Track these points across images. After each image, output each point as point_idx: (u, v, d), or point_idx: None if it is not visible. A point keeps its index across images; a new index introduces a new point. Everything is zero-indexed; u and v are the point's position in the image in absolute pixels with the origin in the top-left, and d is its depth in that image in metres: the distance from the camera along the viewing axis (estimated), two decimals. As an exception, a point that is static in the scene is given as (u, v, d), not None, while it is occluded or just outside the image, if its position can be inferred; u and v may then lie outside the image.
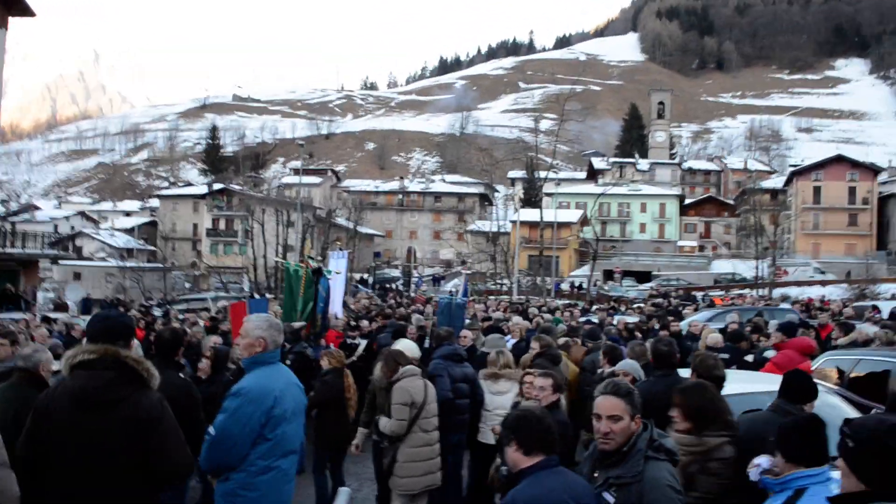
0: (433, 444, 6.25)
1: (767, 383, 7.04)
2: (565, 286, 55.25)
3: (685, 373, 6.46)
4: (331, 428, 7.40)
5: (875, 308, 21.48)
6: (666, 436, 3.37)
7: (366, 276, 63.33)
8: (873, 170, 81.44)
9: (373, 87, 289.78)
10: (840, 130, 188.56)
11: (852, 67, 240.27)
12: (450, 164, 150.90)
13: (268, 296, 29.09)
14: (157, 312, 24.88)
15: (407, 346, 7.05)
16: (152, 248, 77.67)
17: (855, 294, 44.84)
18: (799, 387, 4.58)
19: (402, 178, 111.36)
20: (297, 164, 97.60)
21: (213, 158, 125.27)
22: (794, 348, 8.33)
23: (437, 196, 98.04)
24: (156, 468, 3.48)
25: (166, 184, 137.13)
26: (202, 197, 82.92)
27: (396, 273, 68.73)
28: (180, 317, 20.41)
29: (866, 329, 11.39)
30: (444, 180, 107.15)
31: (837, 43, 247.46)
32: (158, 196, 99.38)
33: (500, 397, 7.17)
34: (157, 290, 49.18)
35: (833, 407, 6.52)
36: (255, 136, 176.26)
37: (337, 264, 17.77)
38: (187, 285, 60.77)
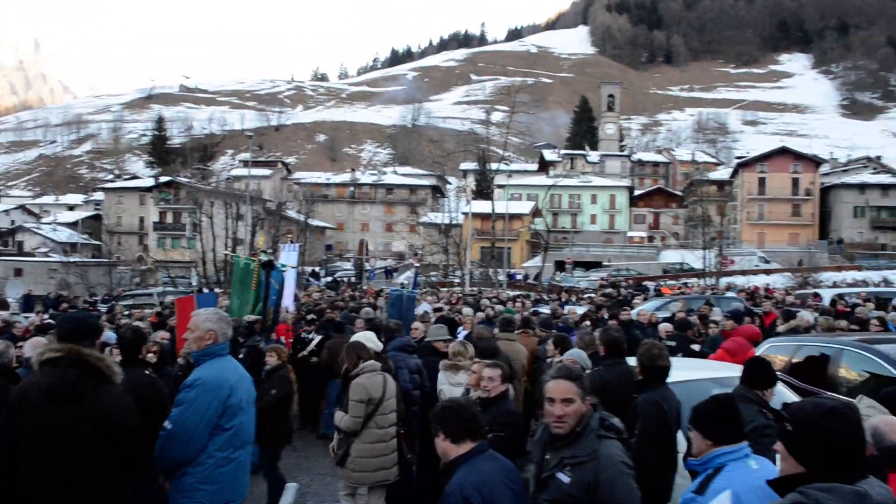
0: (388, 439, 6.20)
1: (712, 370, 7.20)
2: (520, 276, 55.64)
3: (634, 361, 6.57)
4: (277, 424, 7.31)
5: (816, 296, 22.11)
6: (612, 416, 3.45)
7: (317, 268, 62.82)
8: (816, 162, 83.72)
9: (323, 78, 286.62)
10: (784, 123, 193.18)
11: (796, 62, 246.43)
12: (402, 155, 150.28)
13: (217, 290, 28.59)
14: (103, 308, 24.31)
15: (367, 337, 6.97)
16: (97, 242, 75.78)
17: (798, 282, 46.06)
18: (760, 373, 4.80)
19: (353, 169, 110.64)
20: (246, 155, 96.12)
21: (160, 150, 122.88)
22: (743, 335, 8.49)
23: (389, 188, 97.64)
24: (124, 459, 3.67)
25: (111, 176, 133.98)
26: (149, 190, 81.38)
27: (348, 266, 68.32)
28: (126, 313, 20.00)
29: (808, 316, 11.70)
30: (395, 172, 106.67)
31: (781, 38, 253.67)
32: (103, 189, 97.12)
33: (459, 389, 7.16)
34: (102, 286, 48.06)
35: (775, 392, 6.68)
36: (202, 127, 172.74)
37: (288, 257, 17.60)
38: (134, 280, 59.52)
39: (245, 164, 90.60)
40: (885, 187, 78.10)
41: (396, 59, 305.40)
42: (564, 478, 3.26)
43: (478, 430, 3.45)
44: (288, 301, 14.34)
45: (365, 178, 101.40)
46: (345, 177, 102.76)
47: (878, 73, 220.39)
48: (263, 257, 11.91)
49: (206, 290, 29.69)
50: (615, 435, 3.30)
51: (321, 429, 11.00)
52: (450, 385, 7.22)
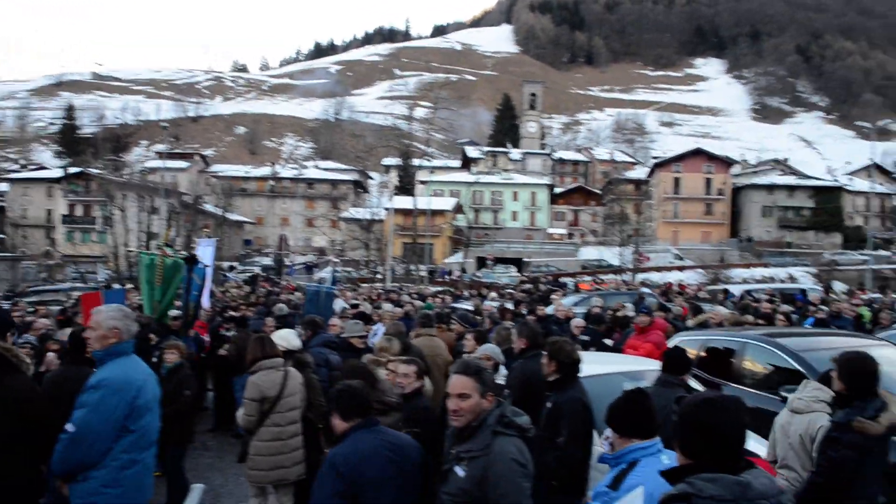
0: (287, 437, 6.04)
1: (624, 364, 7.33)
2: (451, 271, 55.87)
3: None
4: (183, 423, 7.10)
5: (726, 291, 22.94)
6: (521, 413, 3.44)
7: (235, 264, 61.54)
8: (728, 163, 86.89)
9: (244, 69, 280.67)
10: (699, 125, 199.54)
11: (710, 66, 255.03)
12: (323, 150, 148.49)
13: (128, 286, 27.64)
14: (6, 305, 23.16)
15: (284, 335, 6.81)
16: (0, 235, 72.34)
17: (710, 279, 47.79)
18: (678, 361, 5.24)
19: (273, 163, 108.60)
20: (161, 147, 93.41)
21: (70, 140, 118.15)
22: (659, 329, 8.67)
23: (311, 182, 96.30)
24: (35, 443, 3.96)
25: (16, 166, 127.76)
26: (57, 181, 78.15)
27: (268, 261, 67.16)
28: (30, 309, 19.10)
29: (722, 310, 12.10)
30: (317, 167, 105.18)
31: (698, 43, 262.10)
32: (7, 179, 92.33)
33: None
34: (5, 282, 45.87)
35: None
36: (115, 116, 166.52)
37: (204, 253, 17.14)
38: (41, 276, 56.99)
39: (160, 155, 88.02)
40: (791, 188, 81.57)
41: (319, 52, 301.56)
42: (460, 471, 3.30)
43: (367, 408, 3.70)
44: (204, 298, 13.98)
45: (285, 171, 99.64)
46: (265, 170, 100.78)
47: (787, 79, 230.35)
48: (170, 251, 11.54)
49: (117, 286, 28.66)
50: (515, 432, 3.30)
51: (236, 427, 10.76)
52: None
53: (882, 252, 61.82)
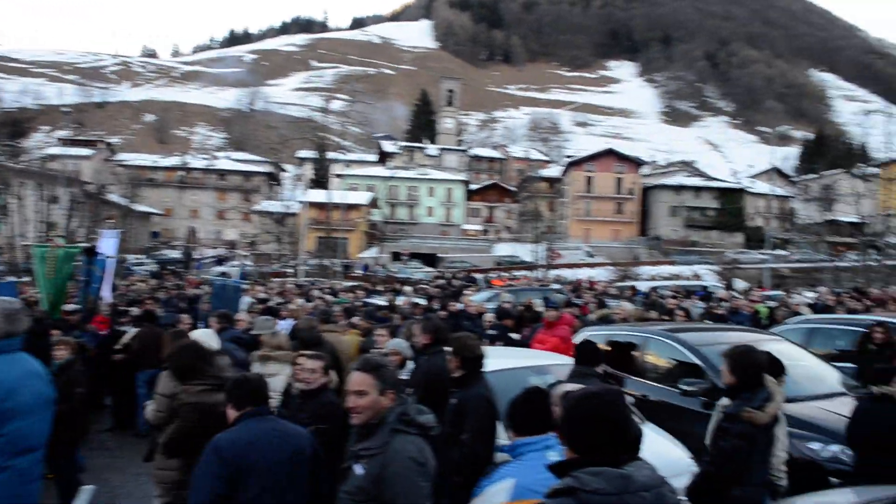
0: None
1: (530, 359, 7.36)
2: (367, 265, 55.48)
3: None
4: (72, 422, 6.75)
5: (633, 288, 23.53)
6: (425, 411, 3.38)
7: (142, 256, 59.43)
8: (638, 163, 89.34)
9: (153, 54, 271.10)
10: (611, 126, 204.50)
11: (624, 69, 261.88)
12: (236, 140, 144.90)
13: (24, 279, 26.26)
14: None
15: (202, 335, 6.53)
16: None
17: (619, 276, 48.95)
18: (590, 353, 5.40)
19: (183, 153, 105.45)
20: (64, 133, 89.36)
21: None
22: (566, 324, 8.75)
23: (222, 174, 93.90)
24: None
25: None
26: (-52, 166, 73.61)
27: (176, 254, 65.11)
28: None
29: (624, 306, 12.36)
30: (229, 158, 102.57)
31: (612, 46, 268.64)
32: None
33: (271, 380, 6.88)
34: None
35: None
36: (14, 100, 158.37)
37: (108, 244, 16.45)
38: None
39: (62, 142, 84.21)
40: (697, 189, 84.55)
41: (234, 39, 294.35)
42: (359, 469, 3.24)
43: (261, 398, 3.79)
44: (105, 291, 13.41)
45: (196, 162, 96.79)
46: (174, 160, 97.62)
47: (696, 84, 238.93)
48: (62, 242, 11.03)
49: (9, 279, 27.18)
50: (416, 430, 3.24)
51: (140, 426, 10.32)
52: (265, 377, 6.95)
53: (780, 252, 64.77)
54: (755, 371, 4.48)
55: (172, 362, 5.07)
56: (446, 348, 5.81)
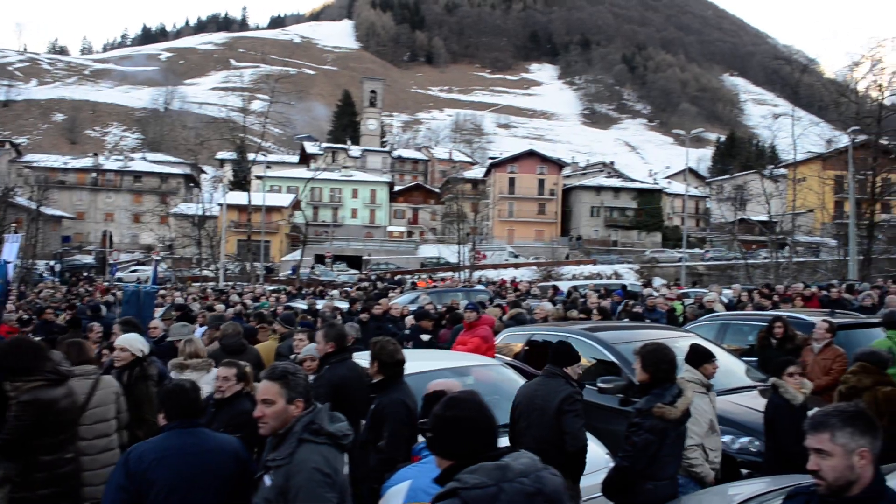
0: (94, 453, 5.51)
1: (449, 361, 7.34)
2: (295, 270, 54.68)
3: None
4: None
5: (555, 288, 23.86)
6: (339, 419, 3.31)
7: (52, 262, 57.06)
8: (559, 164, 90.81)
9: (63, 51, 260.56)
10: (533, 128, 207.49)
11: (544, 72, 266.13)
12: (152, 141, 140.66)
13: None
14: None
15: (129, 339, 6.22)
16: None
17: (542, 275, 49.67)
18: (564, 354, 5.32)
19: (96, 154, 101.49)
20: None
21: None
22: (486, 324, 8.74)
23: (138, 175, 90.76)
24: None
25: None
26: None
27: (89, 259, 62.74)
28: None
29: (544, 306, 12.50)
30: (145, 159, 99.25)
31: (532, 48, 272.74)
32: None
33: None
34: None
35: (510, 380, 6.98)
36: None
37: (10, 249, 15.72)
38: None
39: (-36, 142, 80.00)
40: (616, 190, 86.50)
41: (149, 37, 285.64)
42: (267, 480, 3.16)
43: (192, 410, 3.70)
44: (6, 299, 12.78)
45: (110, 163, 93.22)
46: (86, 161, 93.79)
47: (614, 87, 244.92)
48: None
49: None
50: (325, 440, 3.16)
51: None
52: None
53: (696, 250, 66.87)
54: (666, 367, 4.59)
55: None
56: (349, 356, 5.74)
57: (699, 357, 5.38)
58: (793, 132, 45.01)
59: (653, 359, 4.59)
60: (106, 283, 30.60)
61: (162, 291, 22.80)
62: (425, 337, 10.24)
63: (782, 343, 8.20)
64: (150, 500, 3.38)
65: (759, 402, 6.17)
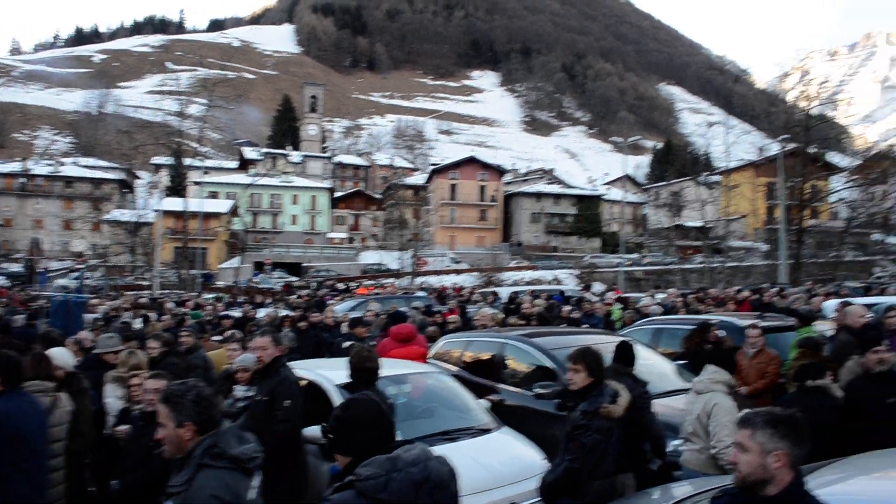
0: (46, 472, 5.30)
1: (386, 368, 7.25)
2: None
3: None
4: None
5: (494, 294, 23.95)
6: (248, 441, 3.12)
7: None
8: (500, 171, 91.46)
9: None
10: (475, 135, 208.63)
11: (486, 79, 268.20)
12: (85, 145, 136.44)
13: None
14: None
15: (60, 354, 5.95)
16: None
17: (484, 281, 49.89)
18: (627, 353, 5.72)
19: (25, 158, 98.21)
20: None
21: None
22: (393, 336, 8.56)
23: (69, 181, 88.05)
24: None
25: None
26: None
27: (17, 267, 60.47)
28: None
29: (484, 312, 12.51)
30: (77, 163, 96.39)
31: (474, 56, 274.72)
32: None
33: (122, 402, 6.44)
34: None
35: (449, 388, 6.94)
36: None
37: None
38: None
39: None
40: (557, 196, 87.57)
41: (82, 38, 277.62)
42: None
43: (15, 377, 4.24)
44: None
45: (39, 168, 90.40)
46: (14, 166, 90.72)
47: (554, 95, 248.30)
48: None
49: None
50: (226, 464, 2.98)
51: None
52: (116, 398, 6.50)
53: (634, 255, 68.09)
54: (603, 368, 4.78)
55: None
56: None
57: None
58: (726, 140, 46.40)
59: (595, 362, 4.72)
60: (23, 294, 28.78)
61: (94, 301, 22.09)
62: (346, 343, 10.17)
63: (716, 347, 8.37)
64: None
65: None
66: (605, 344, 8.03)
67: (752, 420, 2.69)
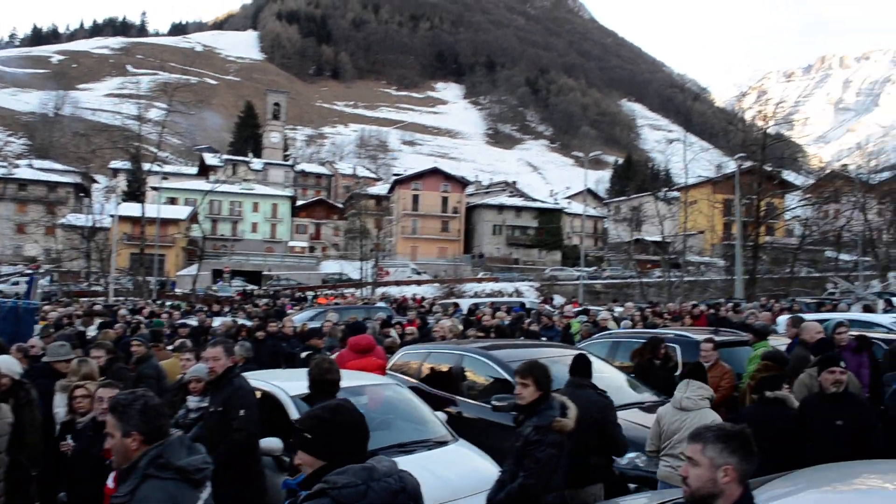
0: None
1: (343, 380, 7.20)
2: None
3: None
4: None
5: (455, 305, 24.00)
6: (197, 452, 3.08)
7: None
8: (463, 183, 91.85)
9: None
10: (438, 146, 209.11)
11: (450, 91, 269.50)
12: (40, 148, 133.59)
13: None
14: None
15: (5, 361, 5.79)
16: None
17: (445, 292, 49.91)
18: (587, 364, 5.76)
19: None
20: None
21: None
22: (350, 347, 8.51)
23: (23, 183, 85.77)
24: None
25: None
26: None
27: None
28: None
29: (443, 324, 12.50)
30: (31, 166, 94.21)
31: (439, 67, 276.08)
32: None
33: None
34: None
35: (406, 400, 6.91)
36: None
37: None
38: None
39: None
40: (518, 209, 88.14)
41: (40, 38, 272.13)
42: None
43: None
44: None
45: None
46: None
47: (518, 108, 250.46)
48: None
49: None
50: (172, 475, 2.94)
51: None
52: (65, 408, 6.35)
53: (594, 269, 68.73)
54: (551, 382, 4.76)
55: None
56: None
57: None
58: (685, 157, 47.10)
59: (544, 375, 4.70)
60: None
61: (46, 307, 21.58)
62: (304, 354, 10.11)
63: (665, 362, 8.52)
64: None
65: (646, 418, 6.33)
66: (563, 357, 8.12)
67: (702, 435, 2.72)
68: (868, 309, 16.07)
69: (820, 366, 5.53)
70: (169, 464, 2.93)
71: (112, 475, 3.65)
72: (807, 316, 11.06)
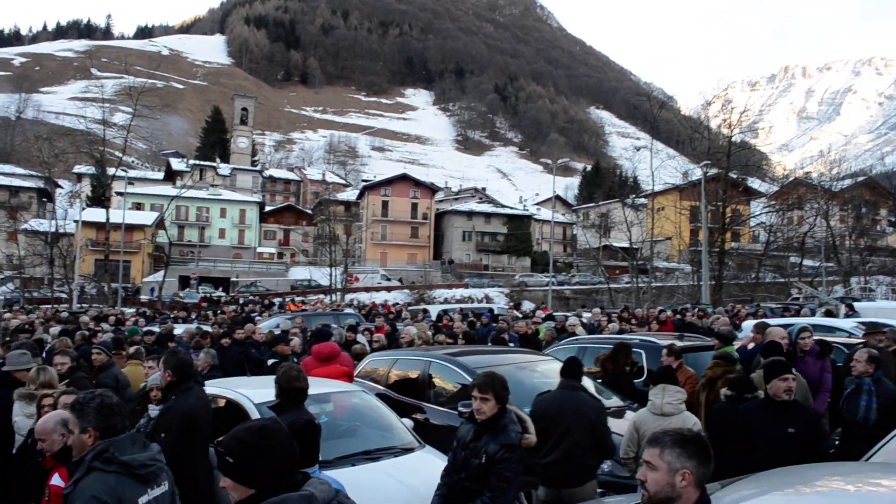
0: None
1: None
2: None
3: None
4: None
5: (425, 311, 23.99)
6: (151, 448, 3.30)
7: None
8: (432, 189, 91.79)
9: None
10: (407, 152, 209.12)
11: (419, 97, 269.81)
12: (1, 151, 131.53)
13: None
14: None
15: None
16: None
17: (415, 299, 49.85)
18: (578, 367, 5.92)
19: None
20: None
21: None
22: (314, 355, 8.45)
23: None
24: None
25: None
26: None
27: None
28: None
29: (413, 329, 12.47)
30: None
31: (408, 74, 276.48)
32: None
33: (30, 421, 6.14)
34: None
35: (373, 408, 6.87)
36: None
37: None
38: None
39: None
40: (488, 215, 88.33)
41: (1, 40, 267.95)
42: None
43: None
44: None
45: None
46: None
47: (487, 115, 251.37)
48: None
49: None
50: (115, 468, 3.11)
51: None
52: (25, 417, 6.21)
53: (563, 275, 69.09)
54: (508, 393, 4.60)
55: None
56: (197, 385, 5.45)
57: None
58: (651, 164, 47.62)
59: (503, 387, 4.55)
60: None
61: (6, 314, 21.17)
62: (271, 360, 10.04)
63: (631, 368, 8.64)
64: None
65: (616, 424, 6.37)
66: (531, 363, 8.14)
67: (660, 439, 2.74)
68: (830, 314, 16.32)
69: (771, 371, 5.35)
70: (113, 458, 3.11)
71: (56, 474, 3.77)
72: (772, 321, 11.20)
